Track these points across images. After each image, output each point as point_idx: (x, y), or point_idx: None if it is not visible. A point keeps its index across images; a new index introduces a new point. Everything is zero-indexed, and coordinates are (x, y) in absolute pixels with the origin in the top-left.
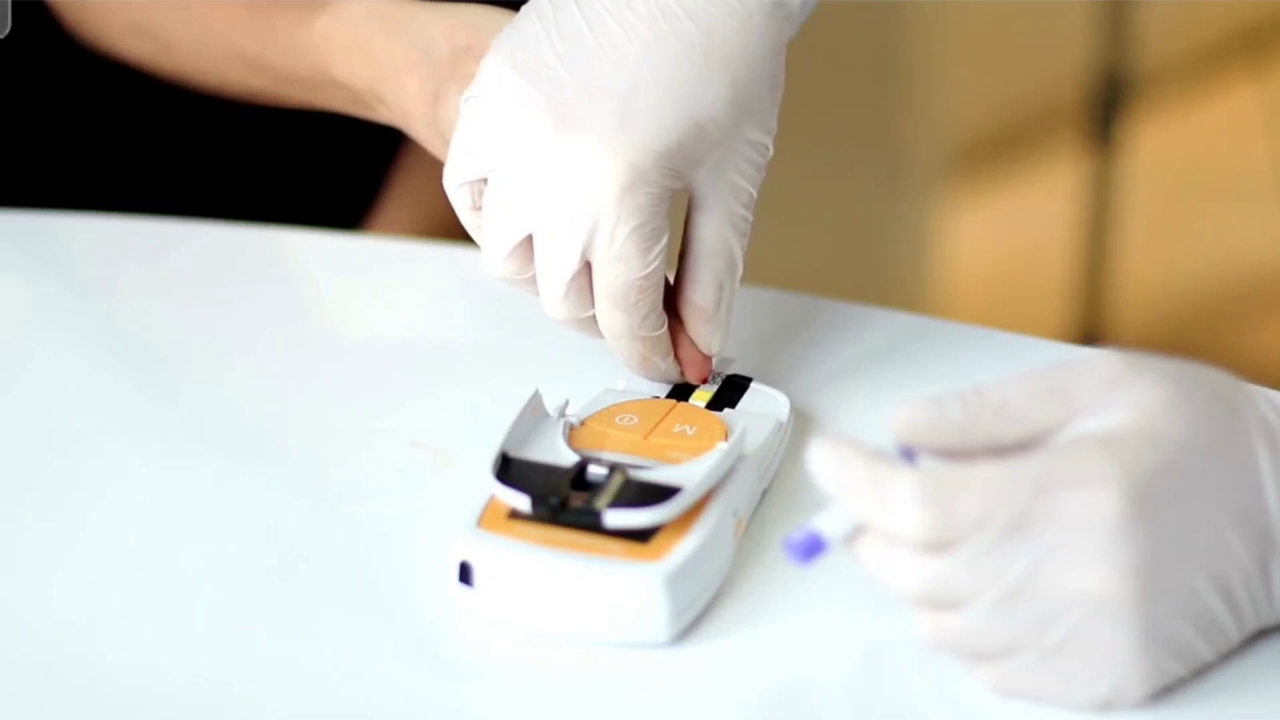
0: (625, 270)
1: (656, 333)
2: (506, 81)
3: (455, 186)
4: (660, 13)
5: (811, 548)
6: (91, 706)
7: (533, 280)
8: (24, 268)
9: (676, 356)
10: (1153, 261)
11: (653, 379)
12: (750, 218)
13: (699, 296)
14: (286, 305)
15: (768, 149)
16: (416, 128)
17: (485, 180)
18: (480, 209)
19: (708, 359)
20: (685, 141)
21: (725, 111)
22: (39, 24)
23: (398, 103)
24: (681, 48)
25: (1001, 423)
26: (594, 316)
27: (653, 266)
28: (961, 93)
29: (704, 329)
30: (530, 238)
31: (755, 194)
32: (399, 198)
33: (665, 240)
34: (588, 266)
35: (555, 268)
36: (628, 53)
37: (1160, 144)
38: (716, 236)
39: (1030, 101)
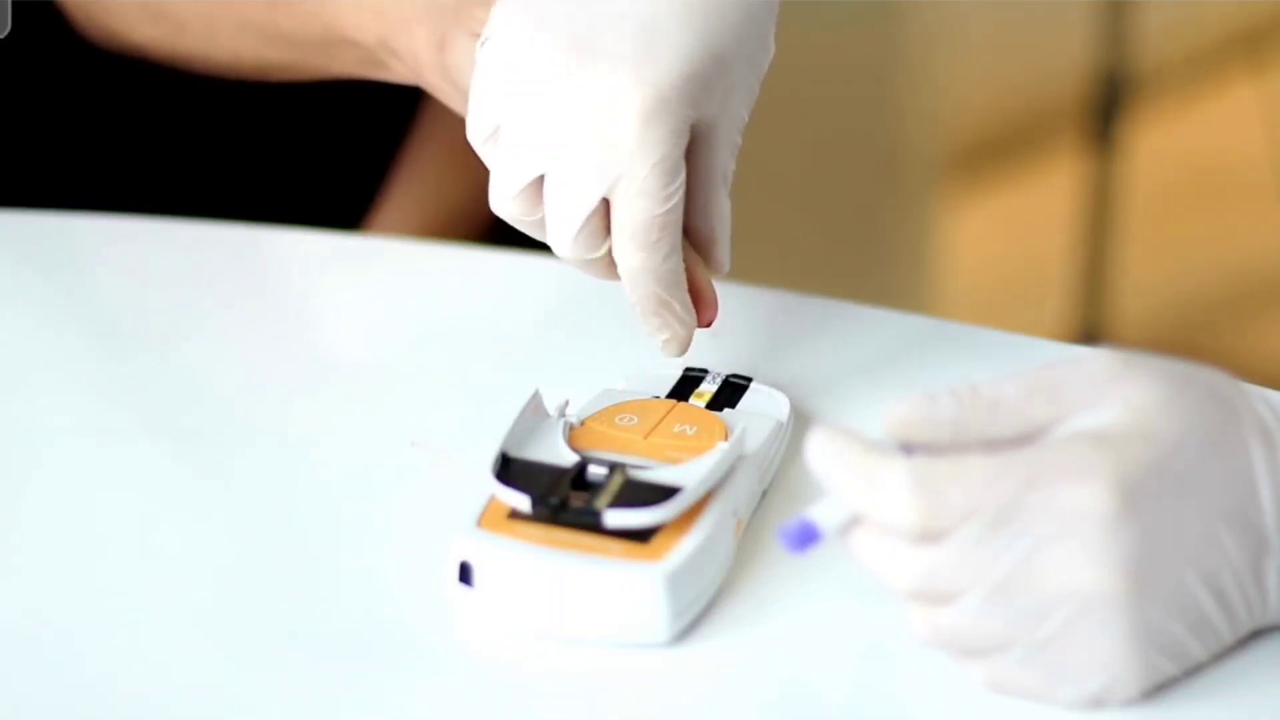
0: (648, 205)
1: (675, 274)
2: (515, 24)
3: (480, 142)
4: None
5: (805, 537)
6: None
7: (541, 223)
8: (24, 267)
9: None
10: (1153, 261)
11: (664, 334)
12: (740, 142)
13: (701, 221)
14: (286, 305)
15: (763, 67)
16: (428, 77)
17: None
18: None
19: (714, 304)
20: (703, 71)
21: (738, 39)
22: (39, 23)
23: (409, 53)
24: None
25: (995, 419)
26: (602, 258)
27: (674, 202)
28: (961, 93)
29: (715, 251)
30: (541, 178)
31: (748, 118)
32: (399, 198)
33: (683, 177)
34: (603, 205)
35: (571, 205)
36: None
37: (1160, 144)
38: (717, 163)
39: (1030, 101)
